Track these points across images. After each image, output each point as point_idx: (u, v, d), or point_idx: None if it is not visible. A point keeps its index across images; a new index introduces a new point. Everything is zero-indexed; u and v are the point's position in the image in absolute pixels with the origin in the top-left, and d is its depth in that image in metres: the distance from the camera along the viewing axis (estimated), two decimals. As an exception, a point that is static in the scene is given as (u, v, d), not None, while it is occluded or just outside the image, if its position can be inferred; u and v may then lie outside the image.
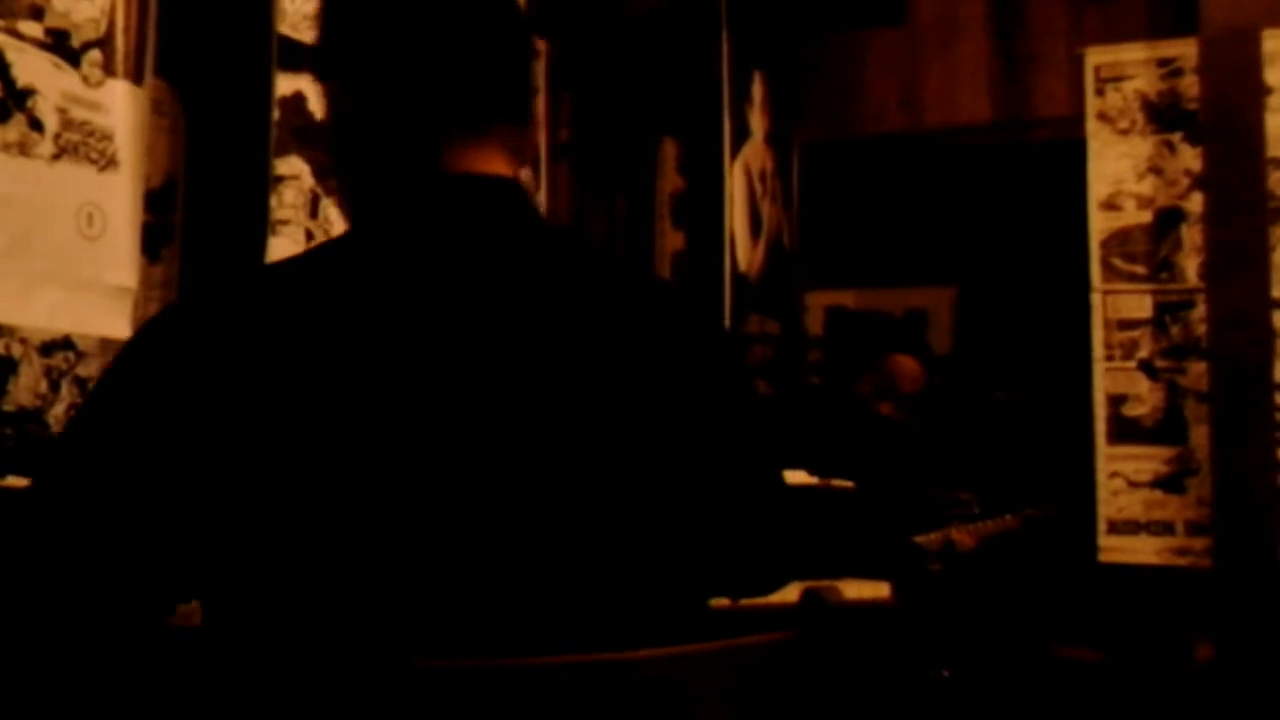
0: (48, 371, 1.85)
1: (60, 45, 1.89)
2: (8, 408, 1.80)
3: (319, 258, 1.07)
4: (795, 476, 2.56)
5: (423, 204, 1.04)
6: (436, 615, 0.90)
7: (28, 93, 1.84)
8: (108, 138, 1.96)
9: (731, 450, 1.08)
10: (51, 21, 1.88)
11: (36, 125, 1.85)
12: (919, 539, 2.74)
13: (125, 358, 0.98)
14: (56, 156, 1.88)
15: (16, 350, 1.83)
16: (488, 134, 1.06)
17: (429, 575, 0.91)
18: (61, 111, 1.89)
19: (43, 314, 1.85)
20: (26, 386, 1.82)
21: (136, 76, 2.03)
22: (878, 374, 3.73)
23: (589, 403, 0.99)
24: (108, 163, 1.97)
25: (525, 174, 1.22)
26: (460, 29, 1.06)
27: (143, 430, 0.92)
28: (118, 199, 1.99)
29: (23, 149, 1.83)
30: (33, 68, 1.84)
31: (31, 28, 1.85)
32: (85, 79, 1.93)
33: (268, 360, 0.92)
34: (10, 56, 1.81)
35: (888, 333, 4.69)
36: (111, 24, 1.98)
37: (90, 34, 1.95)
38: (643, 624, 0.97)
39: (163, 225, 2.18)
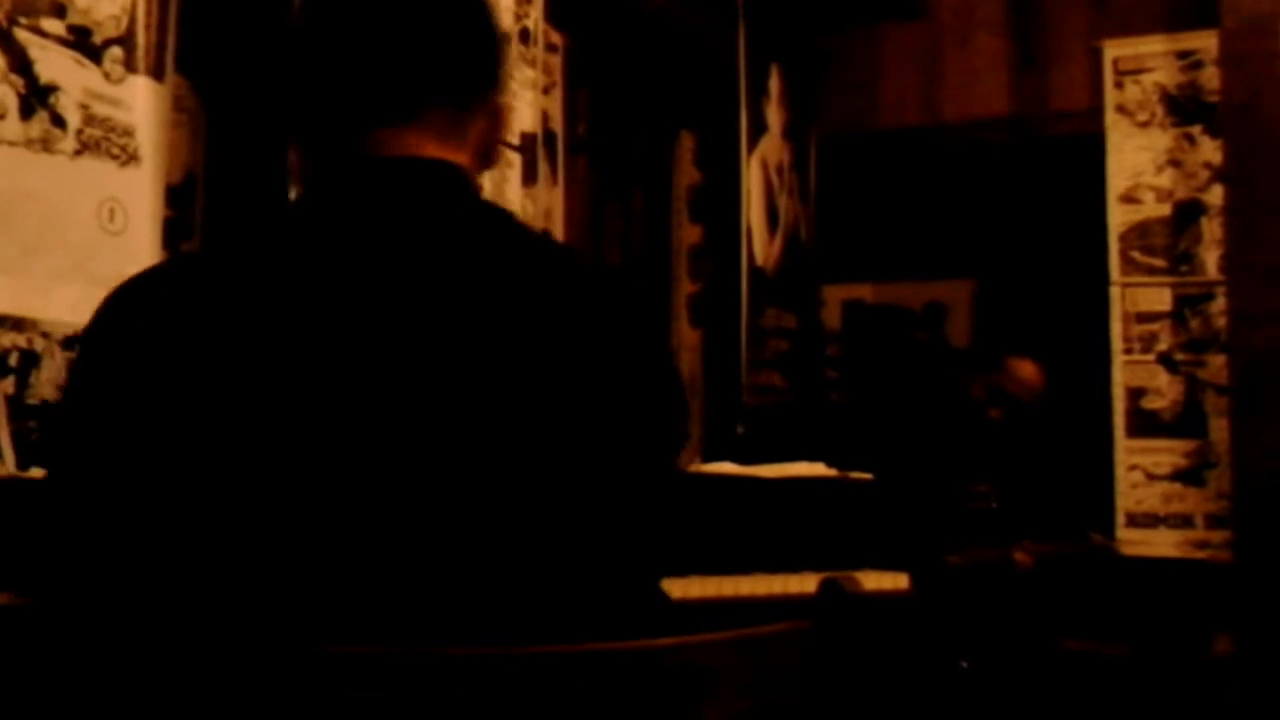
0: (70, 365, 1.86)
1: (82, 42, 1.91)
2: (31, 401, 1.82)
3: (249, 243, 1.09)
4: (814, 469, 2.56)
5: (342, 188, 1.07)
6: (345, 604, 0.91)
7: (50, 89, 1.85)
8: (129, 134, 1.98)
9: (633, 436, 1.07)
10: (73, 19, 1.90)
11: (59, 121, 1.87)
12: (979, 556, 2.70)
13: (84, 340, 1.02)
14: (78, 152, 1.90)
15: (39, 344, 1.85)
16: (413, 120, 1.07)
17: (344, 562, 0.92)
18: (83, 108, 1.91)
19: (65, 308, 1.87)
20: (49, 380, 1.84)
21: (157, 73, 2.04)
22: (994, 378, 3.66)
23: (505, 386, 0.99)
24: (129, 158, 1.99)
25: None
26: (383, 20, 1.08)
27: (104, 416, 0.95)
28: (139, 194, 2.01)
29: (45, 145, 1.85)
30: (55, 64, 1.86)
31: (54, 25, 1.86)
32: (107, 75, 1.95)
33: (194, 344, 0.95)
34: (33, 54, 1.83)
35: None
36: (133, 21, 1.99)
37: (112, 31, 1.96)
38: (552, 611, 0.97)
39: (183, 220, 2.19)
